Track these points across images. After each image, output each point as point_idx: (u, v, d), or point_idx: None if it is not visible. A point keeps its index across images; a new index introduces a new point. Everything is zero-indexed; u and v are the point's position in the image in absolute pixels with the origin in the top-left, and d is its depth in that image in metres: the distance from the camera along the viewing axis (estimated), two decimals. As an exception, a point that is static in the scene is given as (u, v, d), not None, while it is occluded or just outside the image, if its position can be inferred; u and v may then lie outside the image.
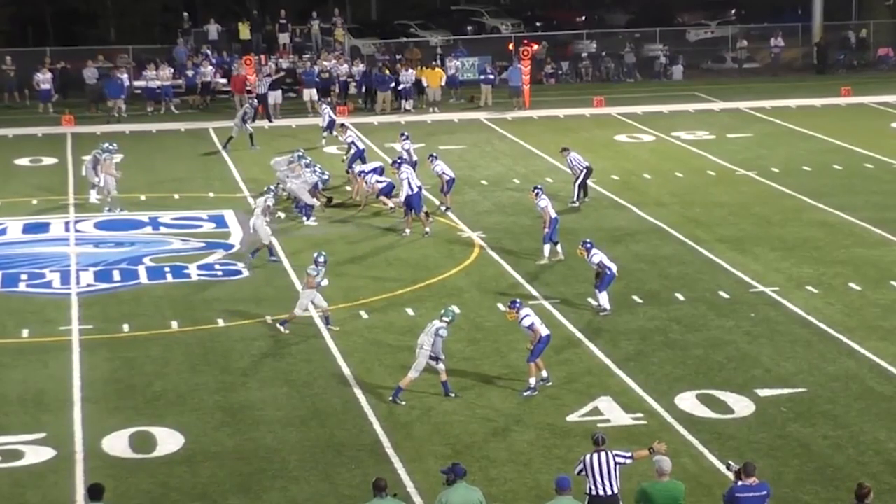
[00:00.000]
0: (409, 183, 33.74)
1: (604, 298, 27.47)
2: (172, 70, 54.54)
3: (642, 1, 73.70)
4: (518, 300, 24.27)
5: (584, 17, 71.44)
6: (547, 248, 31.08)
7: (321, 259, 26.95)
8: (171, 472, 20.47)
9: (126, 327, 27.25)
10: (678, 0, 72.14)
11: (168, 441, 21.56)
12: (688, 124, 48.91)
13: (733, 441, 21.24)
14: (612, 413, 22.47)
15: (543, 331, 23.46)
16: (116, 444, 21.49)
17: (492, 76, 55.05)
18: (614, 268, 27.55)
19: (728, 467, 17.67)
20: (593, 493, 17.27)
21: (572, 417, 22.31)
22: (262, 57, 55.57)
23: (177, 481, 20.18)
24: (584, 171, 36.62)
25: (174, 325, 27.38)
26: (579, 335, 26.29)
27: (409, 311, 27.86)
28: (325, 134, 44.53)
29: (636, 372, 24.29)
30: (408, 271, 30.80)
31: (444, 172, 36.33)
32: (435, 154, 37.82)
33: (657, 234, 33.77)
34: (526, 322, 23.50)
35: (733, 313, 27.51)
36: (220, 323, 27.45)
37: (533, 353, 23.41)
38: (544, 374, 23.63)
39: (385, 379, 24.08)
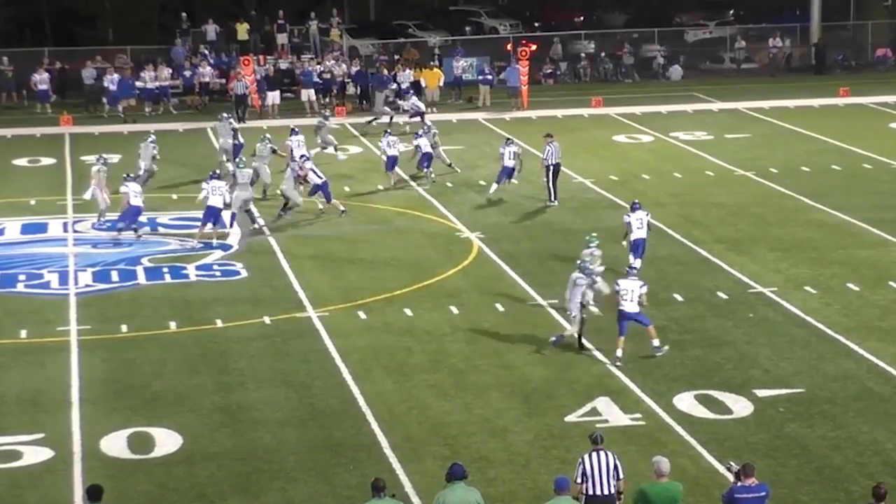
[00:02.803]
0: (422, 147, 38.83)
1: (637, 264, 27.95)
2: (171, 70, 54.54)
3: (640, 1, 73.70)
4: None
5: (582, 18, 71.49)
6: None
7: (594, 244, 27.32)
8: (170, 473, 20.47)
9: (124, 328, 27.24)
10: (676, 0, 72.13)
11: (166, 442, 21.55)
12: (686, 125, 48.90)
13: (731, 441, 21.23)
14: (611, 413, 22.46)
15: (626, 308, 24.74)
16: (114, 444, 21.49)
17: (490, 76, 55.05)
18: (640, 235, 29.54)
19: (729, 468, 17.64)
20: (590, 492, 17.19)
21: (570, 418, 22.30)
22: (246, 58, 54.79)
23: (175, 482, 20.18)
24: (554, 166, 36.48)
25: (172, 325, 27.37)
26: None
27: (408, 312, 27.85)
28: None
29: (634, 372, 24.28)
30: (406, 272, 30.79)
31: (385, 150, 38.81)
32: (389, 131, 40.13)
33: (655, 234, 33.64)
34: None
35: (731, 314, 27.51)
36: (219, 323, 27.44)
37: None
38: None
39: (383, 379, 24.08)
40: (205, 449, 21.31)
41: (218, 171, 35.35)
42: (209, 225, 33.38)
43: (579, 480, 17.21)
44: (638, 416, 22.33)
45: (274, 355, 25.56)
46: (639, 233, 29.54)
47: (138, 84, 53.51)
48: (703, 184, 39.55)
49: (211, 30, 60.33)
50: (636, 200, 30.83)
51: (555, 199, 36.62)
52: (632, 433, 21.57)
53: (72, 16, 67.00)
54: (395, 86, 50.17)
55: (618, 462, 17.32)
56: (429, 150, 39.24)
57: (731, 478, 17.17)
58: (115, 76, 52.37)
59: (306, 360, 25.21)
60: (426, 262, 31.59)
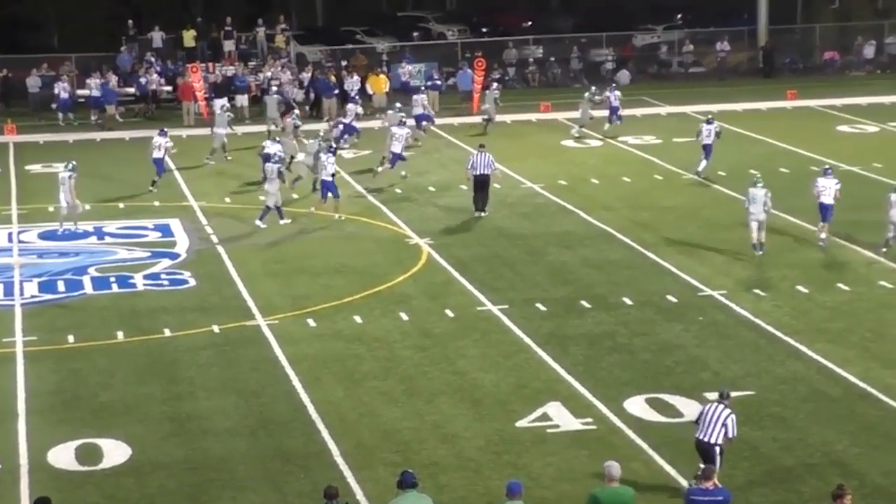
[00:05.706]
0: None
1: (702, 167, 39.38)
2: (117, 78, 54.16)
3: (588, 6, 73.71)
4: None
5: (530, 23, 71.49)
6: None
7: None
8: (119, 484, 20.29)
9: (71, 338, 26.99)
10: (625, 5, 72.19)
11: (115, 452, 21.36)
12: (635, 129, 49.00)
13: (683, 444, 21.18)
14: (562, 418, 22.44)
15: (824, 200, 31.53)
16: (62, 456, 21.28)
17: (438, 82, 55.01)
18: (708, 142, 39.63)
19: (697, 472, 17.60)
20: (698, 436, 19.16)
21: (521, 423, 22.27)
22: (193, 66, 54.04)
23: (124, 493, 20.01)
24: (478, 177, 36.16)
25: (120, 335, 27.15)
26: (528, 341, 26.25)
27: (357, 319, 27.74)
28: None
29: (585, 377, 24.28)
30: (356, 278, 30.68)
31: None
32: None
33: (605, 238, 33.81)
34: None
35: (681, 317, 27.56)
36: (167, 332, 27.24)
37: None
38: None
39: (333, 386, 23.97)
40: (154, 459, 21.14)
41: (334, 146, 37.63)
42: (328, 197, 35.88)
43: (697, 423, 19.34)
44: (589, 420, 22.32)
45: (223, 364, 25.39)
46: (707, 140, 39.63)
47: (82, 92, 53.13)
48: (652, 187, 39.64)
49: (157, 37, 59.92)
50: (710, 117, 41.03)
51: (478, 210, 36.28)
52: (583, 438, 21.57)
53: (16, 22, 66.34)
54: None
55: (729, 420, 18.98)
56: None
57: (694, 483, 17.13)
58: (101, 81, 52.18)
59: (256, 369, 25.07)
60: (376, 269, 31.49)
